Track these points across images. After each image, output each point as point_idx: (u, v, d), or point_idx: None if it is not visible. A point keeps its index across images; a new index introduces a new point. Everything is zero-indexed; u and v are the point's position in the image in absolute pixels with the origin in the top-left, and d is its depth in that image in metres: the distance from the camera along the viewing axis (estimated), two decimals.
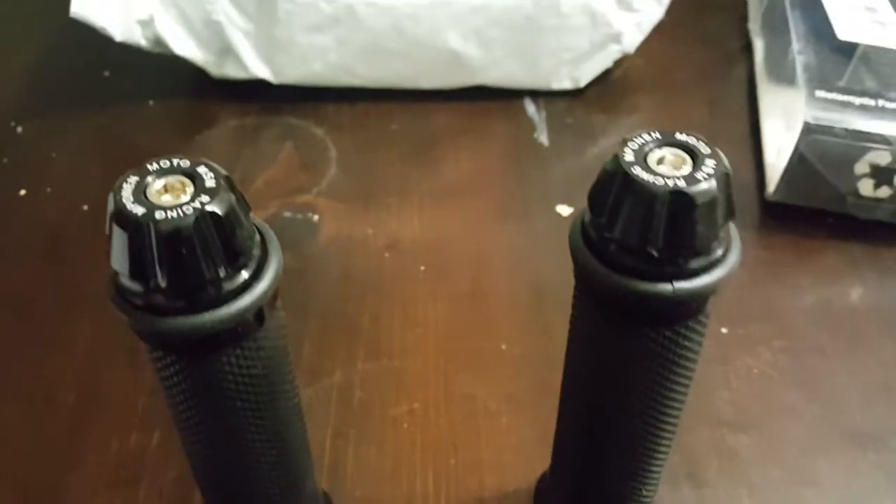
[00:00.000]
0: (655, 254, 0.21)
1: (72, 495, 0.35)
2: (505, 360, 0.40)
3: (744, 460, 0.36)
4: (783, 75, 0.50)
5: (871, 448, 0.36)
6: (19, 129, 0.54)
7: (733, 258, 0.22)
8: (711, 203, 0.21)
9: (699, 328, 0.24)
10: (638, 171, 0.21)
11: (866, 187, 0.45)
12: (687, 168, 0.21)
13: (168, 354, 0.23)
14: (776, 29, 0.54)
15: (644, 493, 0.30)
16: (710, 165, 0.21)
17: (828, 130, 0.43)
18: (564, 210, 0.48)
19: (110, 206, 0.21)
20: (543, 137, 0.53)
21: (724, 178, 0.21)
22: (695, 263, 0.22)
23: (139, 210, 0.20)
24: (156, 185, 0.21)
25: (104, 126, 0.54)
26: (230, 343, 0.23)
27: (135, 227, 0.20)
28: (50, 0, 0.54)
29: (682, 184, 0.20)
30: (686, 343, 0.23)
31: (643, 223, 0.21)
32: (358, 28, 0.51)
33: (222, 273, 0.21)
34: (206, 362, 0.23)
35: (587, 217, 0.23)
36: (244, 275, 0.22)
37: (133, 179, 0.21)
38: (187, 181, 0.21)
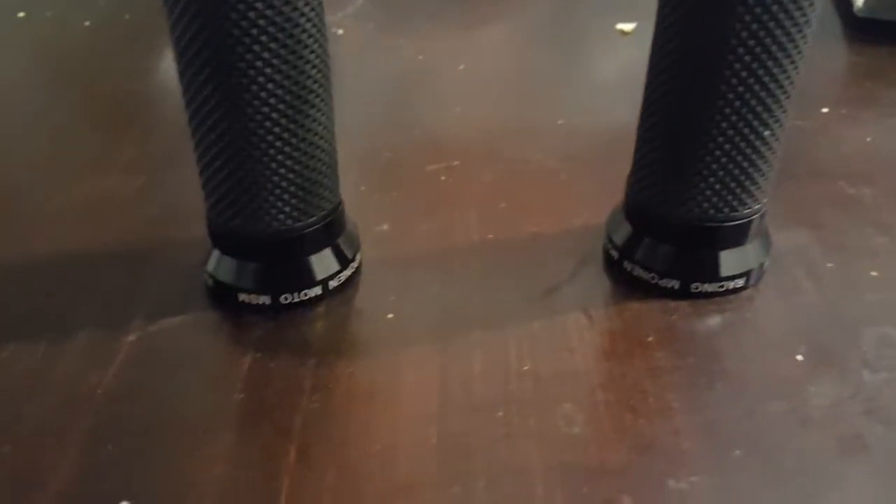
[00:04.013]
0: None
1: (39, 227, 0.28)
2: (562, 131, 0.34)
3: (868, 206, 0.29)
4: None
5: None
6: None
7: None
8: None
9: None
10: None
11: None
12: None
13: None
14: None
15: (750, 186, 0.23)
16: None
17: None
18: (627, 26, 0.42)
19: None
20: None
21: None
22: None
23: None
24: None
25: None
26: None
27: None
28: None
29: None
30: None
31: None
32: None
33: None
34: None
35: None
36: None
37: None
38: None
